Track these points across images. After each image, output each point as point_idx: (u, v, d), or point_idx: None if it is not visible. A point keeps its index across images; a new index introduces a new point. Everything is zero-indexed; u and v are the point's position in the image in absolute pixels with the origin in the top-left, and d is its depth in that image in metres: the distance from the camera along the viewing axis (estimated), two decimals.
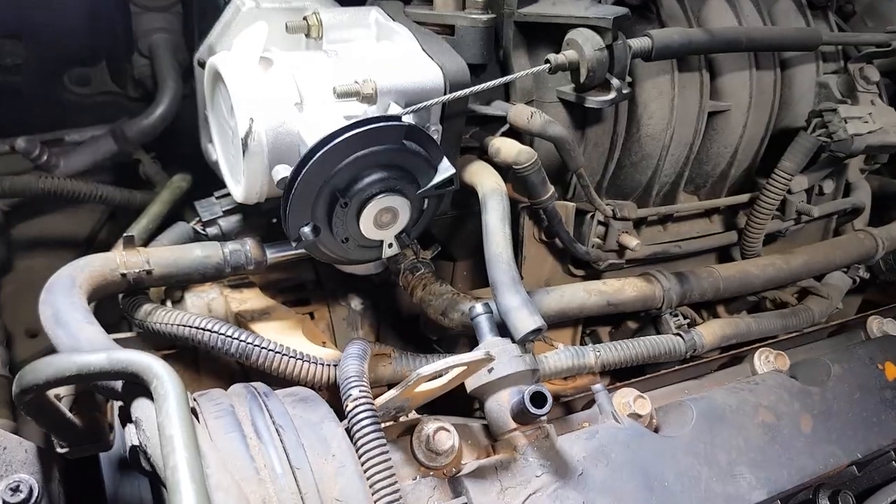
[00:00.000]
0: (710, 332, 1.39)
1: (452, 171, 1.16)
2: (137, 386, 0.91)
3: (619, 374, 1.50)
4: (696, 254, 1.55)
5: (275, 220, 1.43)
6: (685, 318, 1.41)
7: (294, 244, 1.16)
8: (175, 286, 1.33)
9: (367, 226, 1.16)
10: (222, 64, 1.23)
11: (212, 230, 1.40)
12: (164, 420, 0.81)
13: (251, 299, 1.41)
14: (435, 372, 1.02)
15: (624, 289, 1.36)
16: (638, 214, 1.42)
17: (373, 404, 1.03)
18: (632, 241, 1.39)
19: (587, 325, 1.55)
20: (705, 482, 1.18)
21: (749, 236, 1.55)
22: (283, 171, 1.11)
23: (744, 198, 1.56)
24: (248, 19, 1.35)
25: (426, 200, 1.21)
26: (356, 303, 1.59)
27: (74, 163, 1.72)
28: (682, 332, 1.36)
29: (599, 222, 1.41)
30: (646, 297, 1.37)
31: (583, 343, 1.57)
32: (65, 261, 1.16)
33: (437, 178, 1.16)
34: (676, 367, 1.44)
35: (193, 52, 1.52)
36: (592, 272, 1.48)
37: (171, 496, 0.74)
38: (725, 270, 1.48)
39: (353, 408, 1.03)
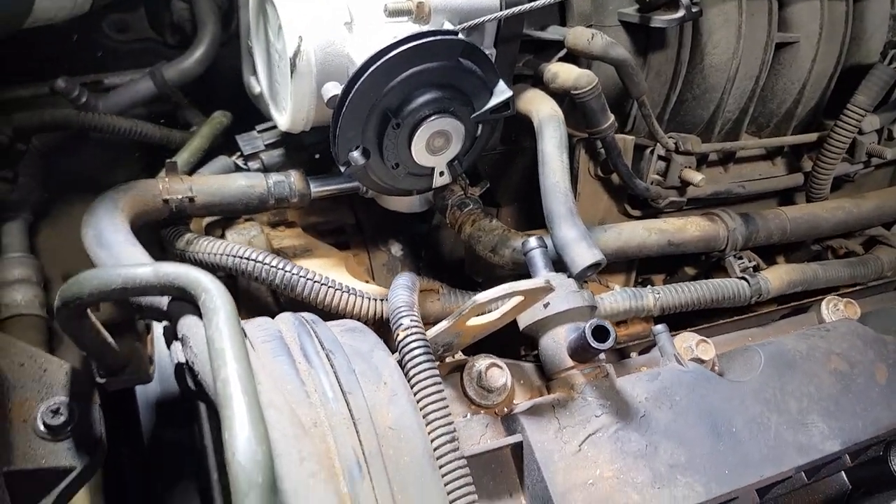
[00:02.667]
0: (777, 276, 1.31)
1: (509, 93, 1.09)
2: (184, 303, 0.86)
3: (674, 324, 1.42)
4: (759, 196, 1.46)
5: (318, 156, 1.38)
6: (749, 261, 1.33)
7: (343, 169, 1.11)
8: (218, 215, 1.28)
9: (419, 150, 1.10)
10: None
11: (253, 164, 1.35)
12: (213, 333, 0.76)
13: (292, 237, 1.36)
14: (491, 299, 0.95)
15: (686, 228, 1.29)
16: (701, 149, 1.34)
17: (424, 333, 0.98)
18: (695, 176, 1.30)
19: (641, 272, 1.48)
20: (775, 429, 1.10)
21: (817, 178, 1.45)
22: (334, 88, 1.05)
23: (812, 137, 1.47)
24: None
25: (480, 126, 1.14)
26: (396, 248, 1.53)
27: (113, 104, 1.67)
28: (747, 276, 1.28)
29: (660, 157, 1.33)
30: (709, 237, 1.29)
31: None
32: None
33: (493, 101, 1.10)
34: (736, 318, 1.36)
35: None
36: (650, 212, 1.40)
37: (221, 410, 0.69)
38: (792, 212, 1.39)
39: (405, 337, 0.97)
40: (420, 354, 0.94)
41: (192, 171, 1.41)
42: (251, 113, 1.46)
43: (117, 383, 1.08)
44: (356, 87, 1.01)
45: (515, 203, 1.49)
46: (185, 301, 0.85)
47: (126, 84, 1.73)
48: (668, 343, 1.21)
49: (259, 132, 1.38)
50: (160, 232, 1.20)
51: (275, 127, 1.37)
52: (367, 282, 1.36)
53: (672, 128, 1.38)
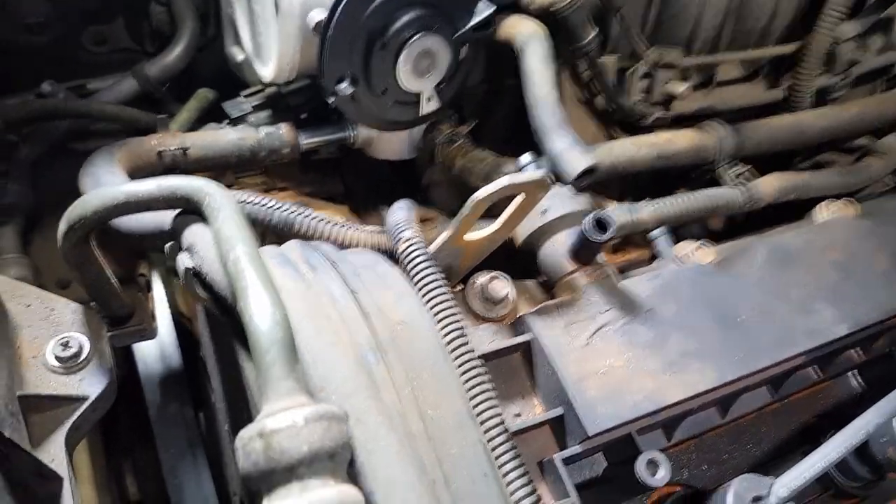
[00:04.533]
0: (769, 183, 1.32)
1: (492, 9, 1.12)
2: (188, 216, 0.87)
3: None
4: (741, 112, 1.48)
5: (304, 116, 1.40)
6: (743, 168, 1.34)
7: (331, 100, 1.13)
8: (211, 170, 1.29)
9: (406, 72, 1.12)
10: None
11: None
12: (220, 225, 0.77)
13: (287, 198, 1.37)
14: (489, 194, 0.96)
15: (675, 140, 1.30)
16: (683, 63, 1.36)
17: (425, 245, 0.98)
18: (679, 86, 1.32)
19: (633, 196, 1.49)
20: (782, 316, 1.12)
21: (797, 90, 1.47)
22: (319, 14, 1.07)
23: (790, 48, 1.48)
24: None
25: (464, 48, 1.16)
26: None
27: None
28: (740, 182, 1.29)
29: (643, 75, 1.35)
30: (698, 147, 1.31)
31: None
32: None
33: (475, 19, 1.12)
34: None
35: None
36: (638, 134, 1.42)
37: (235, 283, 0.70)
38: (778, 121, 1.41)
39: (406, 248, 0.98)
40: (423, 259, 0.95)
41: None
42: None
43: (123, 337, 1.08)
44: (340, 7, 1.03)
45: (504, 143, 1.50)
46: (189, 213, 0.87)
47: (109, 86, 1.75)
48: (667, 247, 1.23)
49: (245, 97, 1.40)
50: None
51: (261, 91, 1.39)
52: None
53: None
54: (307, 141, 1.32)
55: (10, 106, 1.55)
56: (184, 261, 0.84)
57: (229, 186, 1.40)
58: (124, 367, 1.49)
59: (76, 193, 1.73)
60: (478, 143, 1.51)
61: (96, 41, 1.85)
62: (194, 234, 0.85)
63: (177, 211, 0.88)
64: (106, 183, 1.03)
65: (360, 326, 0.84)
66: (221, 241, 0.75)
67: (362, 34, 1.06)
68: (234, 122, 1.40)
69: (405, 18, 1.06)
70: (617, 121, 1.42)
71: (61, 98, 1.57)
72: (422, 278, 0.94)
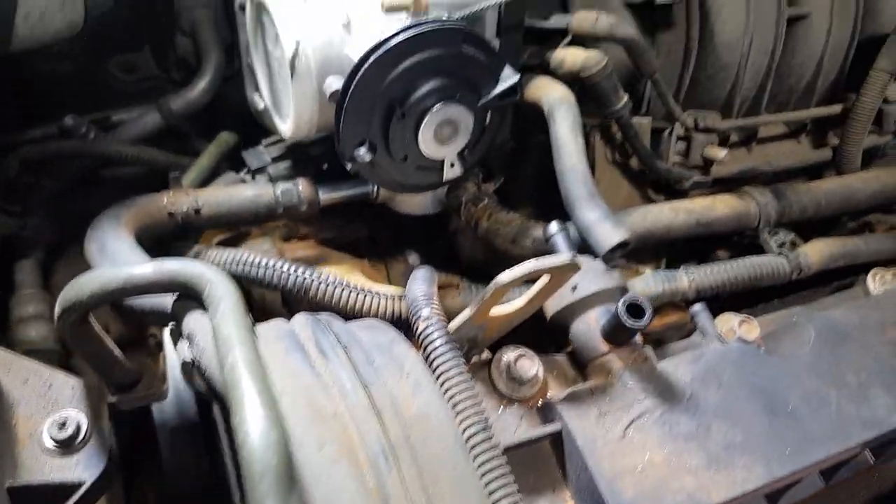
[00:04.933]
0: (817, 250, 1.23)
1: (517, 77, 1.06)
2: (188, 300, 0.82)
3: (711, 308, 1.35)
4: (787, 173, 1.40)
5: (325, 167, 1.35)
6: (787, 235, 1.26)
7: (349, 166, 1.07)
8: (225, 228, 1.25)
9: (427, 141, 1.06)
10: None
11: (261, 179, 1.32)
12: (219, 321, 0.72)
13: (305, 248, 1.32)
14: (515, 279, 0.90)
15: (714, 206, 1.22)
16: (722, 126, 1.28)
17: (446, 323, 0.92)
18: (719, 152, 1.25)
19: (670, 262, 1.41)
20: (836, 404, 1.01)
21: (845, 151, 1.39)
22: (335, 82, 1.02)
23: (836, 108, 1.41)
24: None
25: (489, 115, 1.11)
26: (413, 258, 1.48)
27: (121, 139, 1.67)
28: (785, 251, 1.21)
29: (679, 137, 1.28)
30: (739, 213, 1.23)
31: None
32: None
33: (500, 87, 1.06)
34: (777, 301, 1.28)
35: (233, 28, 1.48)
36: (674, 196, 1.34)
37: (229, 393, 0.63)
38: (825, 185, 1.33)
39: (425, 327, 0.91)
40: (442, 344, 0.88)
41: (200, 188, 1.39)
42: (258, 139, 1.45)
43: (129, 401, 1.03)
44: (357, 77, 0.98)
45: (531, 201, 1.44)
46: (190, 298, 0.81)
47: (133, 118, 1.74)
48: (709, 323, 1.13)
49: (265, 146, 1.36)
50: (172, 245, 1.17)
51: (281, 141, 1.35)
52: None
53: (688, 110, 1.33)
54: (326, 196, 1.27)
55: (27, 148, 1.54)
56: (183, 352, 0.78)
57: (247, 235, 1.35)
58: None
59: None
60: (506, 198, 1.46)
61: (124, 69, 1.85)
62: (195, 322, 0.79)
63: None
64: (111, 250, 0.99)
65: (372, 426, 0.76)
66: (219, 339, 0.69)
67: (381, 103, 1.01)
68: (254, 173, 1.36)
69: (426, 88, 1.01)
70: (652, 181, 1.34)
71: (79, 139, 1.56)
72: (440, 364, 0.86)
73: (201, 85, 1.66)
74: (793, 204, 1.27)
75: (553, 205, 1.16)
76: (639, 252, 1.30)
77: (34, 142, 1.63)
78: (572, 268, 0.94)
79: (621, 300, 0.94)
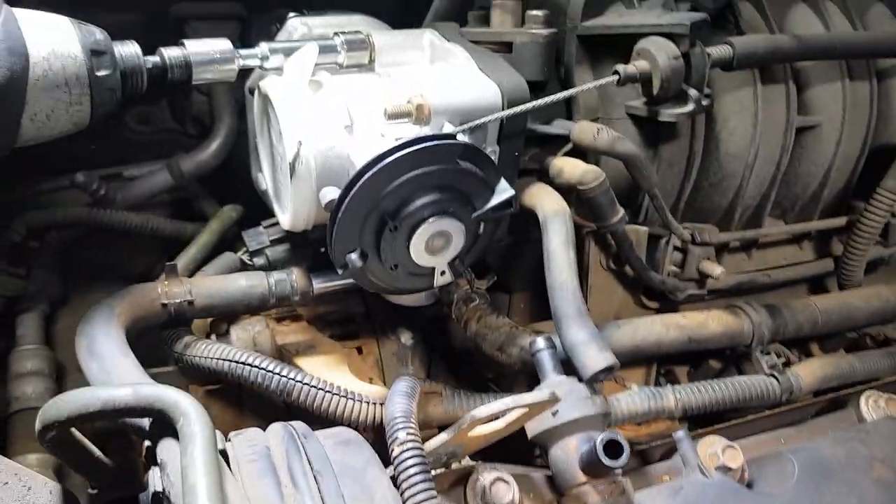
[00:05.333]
0: (809, 372, 1.22)
1: (511, 192, 1.06)
2: (165, 424, 0.83)
3: (700, 419, 1.34)
4: (786, 284, 1.38)
5: (323, 250, 1.36)
6: (778, 356, 1.25)
7: (340, 272, 1.08)
8: (218, 317, 1.26)
9: (418, 251, 1.06)
10: (271, 87, 1.18)
11: (258, 260, 1.34)
12: (187, 465, 0.73)
13: (296, 332, 1.33)
14: (491, 415, 0.90)
15: (707, 323, 1.22)
16: (720, 239, 1.28)
17: (421, 448, 0.92)
18: (715, 268, 1.24)
19: (662, 364, 1.40)
20: None
21: (848, 264, 1.37)
22: (331, 193, 1.03)
23: (840, 221, 1.39)
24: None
25: (482, 225, 1.11)
26: (406, 337, 1.49)
27: (131, 196, 1.71)
28: (776, 373, 1.19)
29: (676, 248, 1.28)
30: (732, 332, 1.22)
31: (658, 385, 1.42)
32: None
33: (495, 201, 1.07)
34: (767, 413, 1.27)
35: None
36: (668, 305, 1.33)
37: None
38: (824, 302, 1.31)
39: (400, 453, 0.92)
40: (415, 473, 0.88)
41: (198, 267, 1.42)
42: (265, 204, 1.47)
43: (110, 493, 1.05)
44: (353, 192, 0.99)
45: (527, 289, 1.44)
46: (166, 423, 0.82)
47: (144, 175, 1.78)
48: (691, 451, 1.12)
49: (265, 228, 1.37)
50: (160, 333, 1.19)
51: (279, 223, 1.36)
52: (370, 379, 1.32)
53: (689, 216, 1.32)
54: (320, 286, 1.28)
55: (33, 214, 1.57)
56: (154, 481, 0.79)
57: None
58: None
59: (107, 269, 1.73)
60: (502, 287, 1.46)
61: (139, 121, 1.89)
62: (167, 451, 0.80)
63: None
64: (100, 351, 1.00)
65: None
66: (185, 486, 0.70)
67: (374, 215, 1.02)
68: (252, 254, 1.38)
69: (419, 202, 1.02)
70: (646, 288, 1.34)
71: (85, 209, 1.60)
72: (411, 494, 0.87)
73: (212, 148, 1.70)
74: (788, 323, 1.26)
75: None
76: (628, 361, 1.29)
77: (46, 196, 1.67)
78: (550, 403, 0.94)
79: (599, 438, 0.93)
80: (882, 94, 1.44)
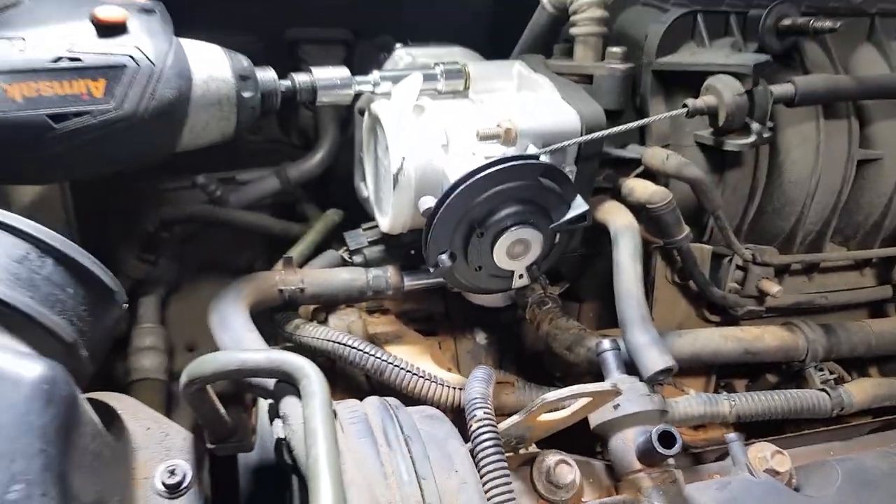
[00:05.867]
0: (861, 390, 1.29)
1: (586, 207, 1.20)
2: (288, 385, 1.00)
3: (754, 432, 1.42)
4: (844, 307, 1.46)
5: (413, 252, 1.53)
6: (832, 373, 1.32)
7: (432, 270, 1.24)
8: (322, 304, 1.44)
9: (500, 255, 1.21)
10: (382, 110, 1.35)
11: (357, 258, 1.51)
12: (309, 414, 0.89)
13: (385, 324, 1.50)
14: (559, 399, 1.03)
15: (763, 337, 1.31)
16: (780, 260, 1.37)
17: (496, 426, 1.06)
18: (773, 286, 1.33)
19: (722, 376, 1.49)
20: None
21: None
22: (429, 201, 1.19)
23: None
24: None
25: (558, 235, 1.25)
26: (481, 337, 1.64)
27: (243, 198, 1.91)
28: (827, 388, 1.28)
29: (738, 267, 1.37)
30: (787, 347, 1.31)
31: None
32: (224, 286, 1.31)
33: (570, 214, 1.20)
34: (820, 429, 1.34)
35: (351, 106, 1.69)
36: (729, 319, 1.43)
37: (310, 483, 0.80)
38: (879, 326, 1.38)
39: (477, 428, 1.05)
40: (490, 446, 1.02)
41: (305, 262, 1.60)
42: (360, 209, 1.65)
43: (224, 450, 1.23)
44: (447, 201, 1.15)
45: (596, 300, 1.56)
46: (289, 384, 0.99)
47: (255, 180, 1.99)
48: (741, 452, 1.22)
49: (364, 230, 1.55)
50: (273, 316, 1.38)
51: (377, 226, 1.54)
52: (449, 369, 1.47)
53: (751, 238, 1.42)
54: (410, 283, 1.44)
55: (167, 209, 1.80)
56: (277, 429, 0.96)
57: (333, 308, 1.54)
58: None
59: (217, 263, 1.95)
60: (574, 296, 1.59)
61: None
62: (290, 406, 0.97)
63: None
64: (230, 325, 1.19)
65: None
66: (307, 430, 0.86)
67: (464, 222, 1.17)
68: (352, 253, 1.56)
69: (504, 213, 1.16)
70: (708, 303, 1.44)
71: (210, 207, 1.81)
72: (485, 465, 1.00)
73: (316, 158, 1.89)
74: (842, 342, 1.33)
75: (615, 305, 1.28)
76: (690, 367, 1.39)
77: (170, 193, 1.91)
78: (613, 393, 1.07)
79: (655, 429, 1.05)
80: None
